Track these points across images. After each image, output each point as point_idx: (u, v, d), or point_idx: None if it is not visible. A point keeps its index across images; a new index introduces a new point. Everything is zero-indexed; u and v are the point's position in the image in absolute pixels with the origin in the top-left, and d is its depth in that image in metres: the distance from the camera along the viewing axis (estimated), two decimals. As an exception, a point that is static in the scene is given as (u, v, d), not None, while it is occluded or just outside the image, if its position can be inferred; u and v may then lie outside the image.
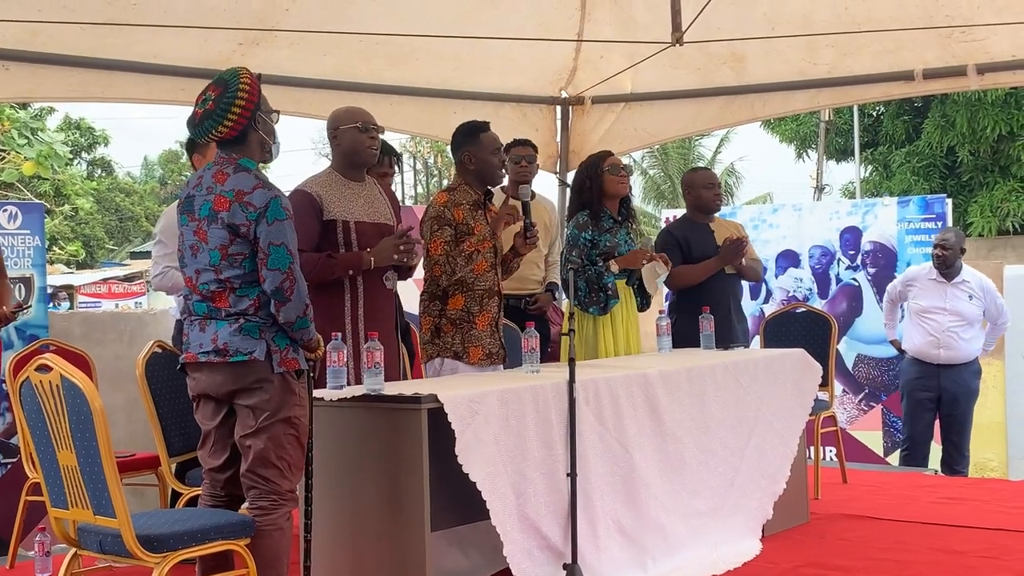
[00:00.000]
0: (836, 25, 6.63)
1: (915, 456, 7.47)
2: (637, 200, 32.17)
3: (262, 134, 3.76)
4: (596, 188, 5.69)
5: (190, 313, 3.76)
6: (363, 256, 4.62)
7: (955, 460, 7.34)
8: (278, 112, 3.86)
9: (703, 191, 6.34)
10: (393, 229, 4.79)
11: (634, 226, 5.92)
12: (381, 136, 4.87)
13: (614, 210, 5.75)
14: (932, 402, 7.37)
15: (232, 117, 3.67)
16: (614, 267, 5.58)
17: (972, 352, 7.40)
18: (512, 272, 5.32)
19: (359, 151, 4.71)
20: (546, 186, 7.03)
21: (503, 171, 5.19)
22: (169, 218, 5.38)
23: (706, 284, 6.13)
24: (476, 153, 5.06)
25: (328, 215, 4.61)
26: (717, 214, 6.50)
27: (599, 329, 5.60)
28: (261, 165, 3.85)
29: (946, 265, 7.32)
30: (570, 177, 7.06)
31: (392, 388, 4.11)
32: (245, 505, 3.71)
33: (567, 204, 6.56)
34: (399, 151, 6.30)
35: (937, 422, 7.46)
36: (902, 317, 7.54)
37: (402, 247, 4.65)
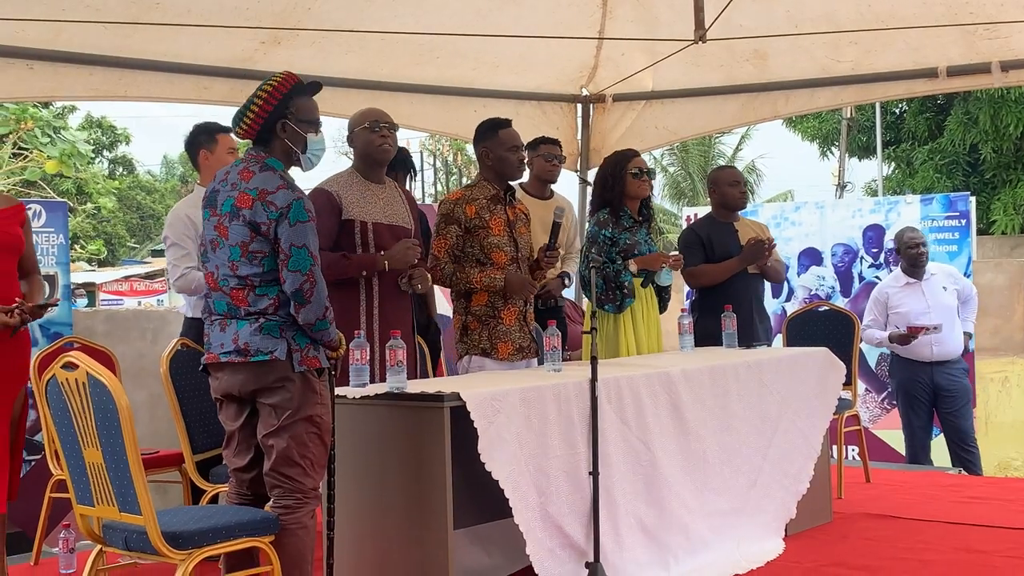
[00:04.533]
0: (859, 22, 6.61)
1: (917, 454, 7.47)
2: (657, 198, 32.15)
3: (287, 142, 3.77)
4: (619, 188, 5.68)
5: (210, 312, 3.77)
6: (377, 258, 4.65)
7: (966, 456, 7.33)
8: (318, 122, 3.83)
9: (728, 188, 6.33)
10: (409, 233, 4.83)
11: (653, 225, 5.92)
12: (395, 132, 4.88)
13: (634, 209, 5.74)
14: (927, 399, 7.37)
15: (249, 116, 3.74)
16: (633, 267, 5.57)
17: (959, 343, 7.42)
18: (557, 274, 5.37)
19: (371, 150, 4.78)
20: (563, 184, 7.01)
21: (522, 168, 5.20)
22: (174, 217, 5.36)
23: (729, 283, 6.11)
24: (493, 148, 5.10)
25: (347, 214, 4.66)
26: (741, 213, 6.49)
27: (619, 328, 5.59)
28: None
29: (923, 263, 7.35)
30: (591, 175, 7.06)
31: (415, 386, 4.11)
32: (269, 504, 3.72)
33: (588, 200, 6.56)
34: (418, 151, 6.33)
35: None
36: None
37: (418, 250, 4.72)
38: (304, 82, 3.83)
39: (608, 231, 5.62)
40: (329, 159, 4.93)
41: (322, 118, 3.91)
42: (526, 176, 5.82)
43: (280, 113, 3.74)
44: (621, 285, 5.55)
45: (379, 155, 4.80)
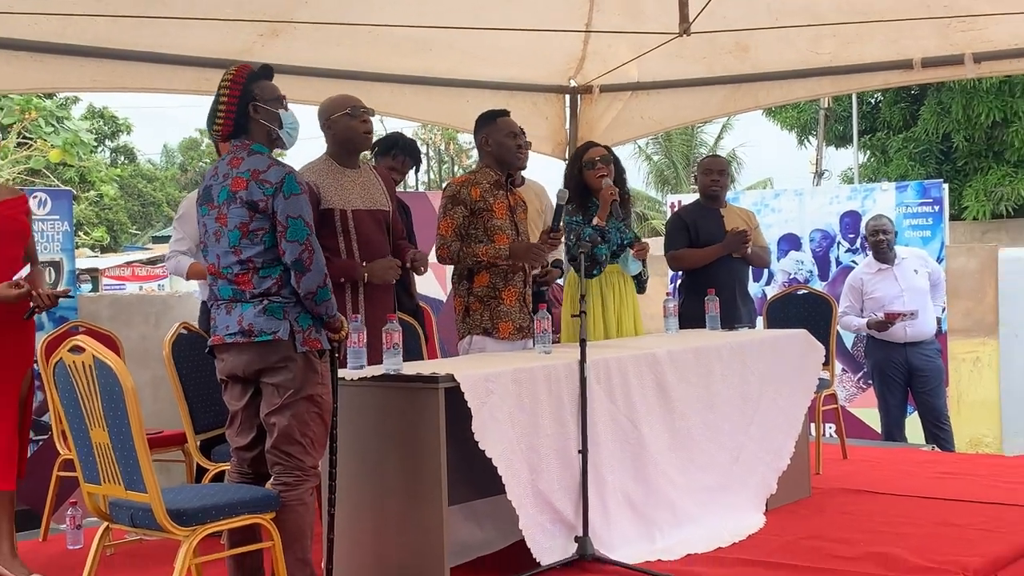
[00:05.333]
0: (838, 15, 6.60)
1: (892, 431, 7.50)
2: (642, 185, 32.14)
3: (263, 122, 3.78)
4: (577, 179, 5.67)
5: (216, 298, 3.78)
6: (357, 269, 4.60)
7: (939, 433, 7.37)
8: (284, 98, 3.86)
9: (702, 176, 6.40)
10: (388, 215, 4.77)
11: (627, 211, 5.85)
12: (373, 119, 4.81)
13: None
14: (902, 379, 7.39)
15: (220, 112, 3.76)
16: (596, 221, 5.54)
17: (932, 324, 7.46)
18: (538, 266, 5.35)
19: (353, 137, 4.68)
20: (543, 171, 6.96)
21: (520, 154, 5.21)
22: (185, 206, 5.53)
23: (713, 267, 6.13)
24: (492, 135, 5.13)
25: (325, 204, 4.57)
26: (727, 200, 6.50)
27: (589, 301, 5.54)
28: (279, 152, 3.88)
29: (888, 249, 7.36)
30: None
31: (410, 368, 4.11)
32: (271, 481, 3.72)
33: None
34: (411, 138, 6.31)
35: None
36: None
37: (399, 272, 4.69)
38: (255, 68, 3.84)
39: (578, 217, 5.61)
40: (324, 147, 4.86)
41: (310, 107, 3.92)
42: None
43: (247, 98, 3.75)
44: (596, 259, 5.52)
45: (362, 141, 4.73)
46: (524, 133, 5.92)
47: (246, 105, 3.75)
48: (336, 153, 4.72)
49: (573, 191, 5.65)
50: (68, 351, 3.40)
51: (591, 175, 5.61)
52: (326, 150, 4.76)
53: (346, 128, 4.67)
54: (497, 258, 4.97)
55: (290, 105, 3.91)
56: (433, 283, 7.84)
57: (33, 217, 6.70)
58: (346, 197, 4.65)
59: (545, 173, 6.26)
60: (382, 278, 4.65)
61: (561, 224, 5.19)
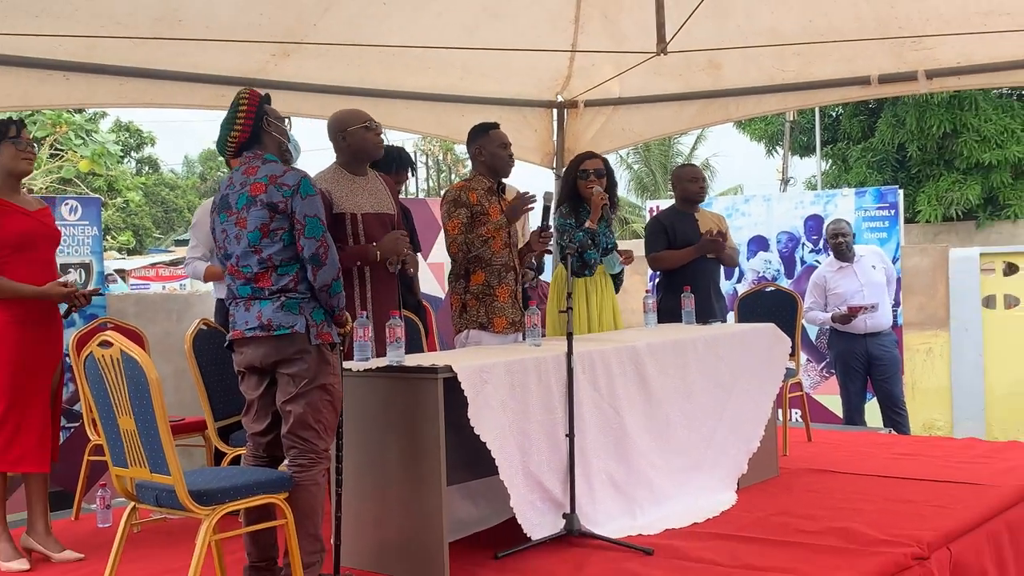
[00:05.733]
0: (802, 36, 6.61)
1: (852, 416, 7.52)
2: (624, 192, 32.14)
3: (275, 134, 3.83)
4: (571, 187, 5.68)
5: (234, 296, 3.78)
6: (369, 249, 4.58)
7: (896, 417, 7.38)
8: (289, 118, 3.95)
9: (688, 184, 6.38)
10: (395, 218, 4.77)
11: (612, 218, 5.86)
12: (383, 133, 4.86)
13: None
14: (862, 368, 7.41)
15: (239, 124, 3.77)
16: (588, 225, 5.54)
17: (889, 316, 7.47)
18: (527, 263, 5.36)
19: (367, 148, 4.66)
20: (532, 179, 7.00)
21: (511, 163, 5.22)
22: (198, 217, 5.70)
23: (689, 267, 6.14)
24: (486, 146, 5.13)
25: (337, 209, 4.56)
26: (703, 206, 6.51)
27: (575, 298, 5.55)
28: None
29: (848, 250, 7.38)
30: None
31: (412, 360, 4.11)
32: (285, 463, 3.72)
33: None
34: (412, 151, 6.32)
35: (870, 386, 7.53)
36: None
37: (407, 241, 4.68)
38: (263, 94, 3.90)
39: (572, 220, 5.62)
40: (332, 158, 4.85)
41: (317, 122, 3.97)
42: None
43: (262, 113, 3.81)
44: (586, 263, 5.54)
45: (375, 152, 4.71)
46: (511, 144, 5.94)
47: (261, 119, 3.79)
48: (347, 162, 4.70)
49: (567, 196, 5.66)
50: (97, 345, 3.39)
51: (583, 185, 5.62)
52: (336, 160, 4.73)
53: (362, 140, 4.65)
54: (499, 228, 4.95)
55: (303, 119, 3.96)
56: (433, 282, 7.85)
57: (65, 223, 6.74)
58: (356, 202, 4.64)
59: (534, 180, 6.28)
60: (393, 251, 4.60)
61: (550, 223, 5.19)
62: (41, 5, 5.17)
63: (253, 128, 3.78)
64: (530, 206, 5.10)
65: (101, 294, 5.87)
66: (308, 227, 3.66)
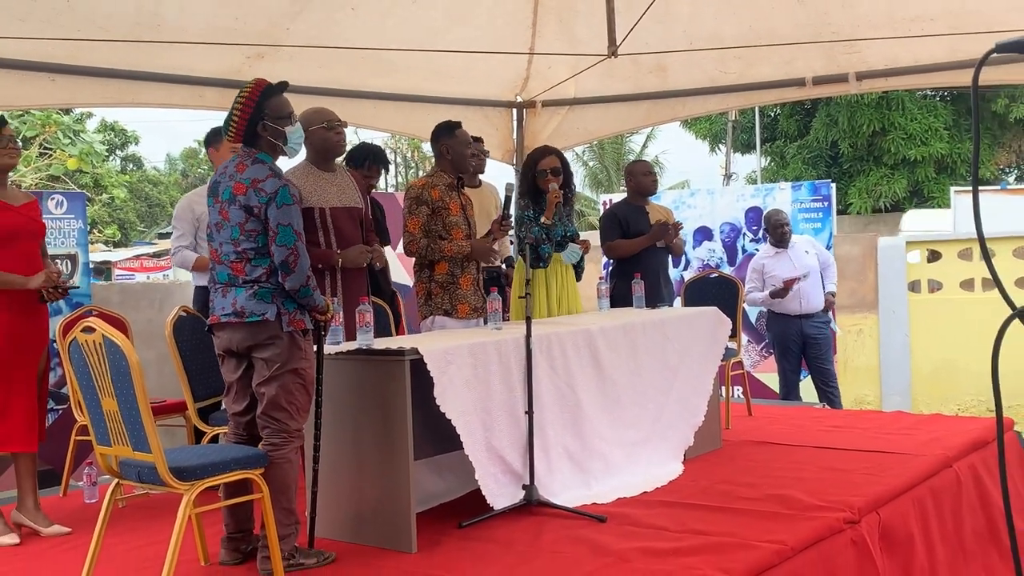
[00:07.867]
0: (742, 40, 6.62)
1: (789, 392, 7.58)
2: (579, 187, 32.17)
3: (270, 139, 3.72)
4: (531, 182, 5.67)
5: (214, 282, 3.73)
6: (333, 256, 4.55)
7: (829, 393, 7.45)
8: (291, 115, 3.80)
9: (643, 178, 6.38)
10: (361, 212, 4.72)
11: (570, 210, 5.86)
12: (345, 130, 4.73)
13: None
14: (797, 347, 7.47)
15: (234, 121, 3.70)
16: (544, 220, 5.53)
17: (821, 298, 7.51)
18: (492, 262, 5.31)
19: (329, 147, 4.61)
20: (493, 173, 7.00)
21: (475, 162, 5.19)
22: (180, 206, 5.67)
23: (641, 256, 6.15)
24: (452, 145, 5.07)
25: (306, 203, 4.49)
26: (652, 199, 6.52)
27: (536, 286, 5.56)
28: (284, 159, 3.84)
29: (787, 237, 7.46)
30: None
31: (380, 343, 4.08)
32: (261, 442, 3.68)
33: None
34: (382, 147, 6.27)
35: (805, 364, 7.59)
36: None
37: (369, 255, 4.65)
38: (272, 84, 3.76)
39: (531, 212, 5.61)
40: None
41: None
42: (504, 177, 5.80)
43: (258, 116, 3.69)
44: (540, 256, 5.54)
45: (337, 150, 4.66)
46: (482, 141, 5.91)
47: (256, 123, 3.69)
48: (314, 159, 4.65)
49: (527, 190, 5.65)
50: (81, 331, 3.33)
51: (543, 182, 5.60)
52: (306, 156, 4.68)
53: (323, 139, 4.60)
54: (459, 253, 4.95)
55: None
56: (402, 272, 7.81)
57: (51, 216, 6.62)
58: (324, 197, 4.59)
59: (495, 175, 6.24)
60: (355, 262, 4.61)
61: (510, 212, 5.17)
62: (27, 9, 5.07)
63: (246, 131, 3.69)
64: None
65: (77, 287, 5.82)
66: (280, 235, 3.58)
